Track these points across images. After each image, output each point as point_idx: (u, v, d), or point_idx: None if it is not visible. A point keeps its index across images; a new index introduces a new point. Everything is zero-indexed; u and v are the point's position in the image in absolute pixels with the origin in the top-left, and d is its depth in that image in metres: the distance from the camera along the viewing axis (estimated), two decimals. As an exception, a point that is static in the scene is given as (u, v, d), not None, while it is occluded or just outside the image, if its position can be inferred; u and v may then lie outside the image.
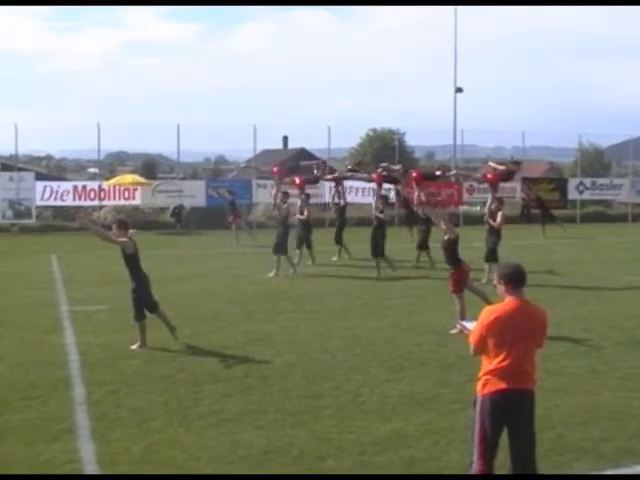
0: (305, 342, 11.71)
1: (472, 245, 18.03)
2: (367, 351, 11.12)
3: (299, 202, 21.26)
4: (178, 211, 34.06)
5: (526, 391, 5.77)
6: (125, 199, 33.71)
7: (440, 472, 6.72)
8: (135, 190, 33.78)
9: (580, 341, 11.74)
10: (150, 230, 31.14)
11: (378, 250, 18.94)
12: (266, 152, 49.90)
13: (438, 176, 24.15)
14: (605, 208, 41.94)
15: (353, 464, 6.92)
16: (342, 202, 23.46)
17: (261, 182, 34.07)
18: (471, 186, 35.29)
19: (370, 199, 32.97)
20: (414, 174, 22.87)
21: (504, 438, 5.79)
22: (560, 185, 39.94)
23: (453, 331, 11.80)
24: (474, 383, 5.98)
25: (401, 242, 21.34)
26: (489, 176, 21.23)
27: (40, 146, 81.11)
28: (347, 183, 29.24)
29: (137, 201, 34.11)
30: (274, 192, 22.03)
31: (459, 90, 43.23)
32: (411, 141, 57.34)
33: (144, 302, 11.29)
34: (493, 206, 17.97)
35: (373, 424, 7.95)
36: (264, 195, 33.68)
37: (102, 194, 33.33)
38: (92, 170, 59.55)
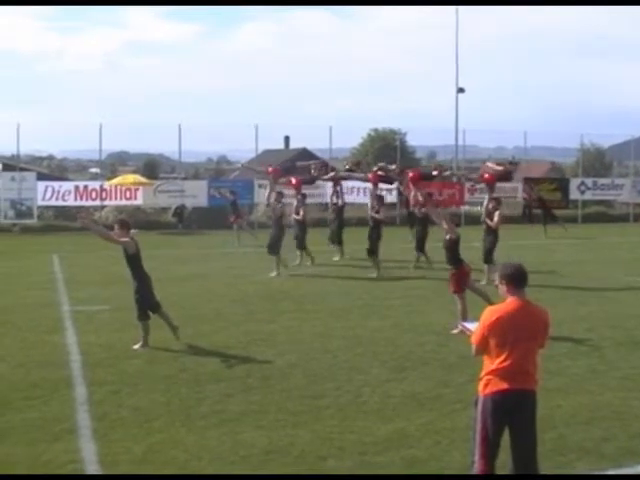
0: (306, 342, 11.71)
1: (473, 245, 18.01)
2: (368, 351, 11.13)
3: (295, 202, 21.31)
4: (180, 211, 34.06)
5: (528, 391, 5.76)
6: (127, 199, 33.72)
7: (441, 472, 6.72)
8: (137, 190, 33.79)
9: (581, 341, 11.73)
10: (152, 230, 31.11)
11: (373, 250, 18.90)
12: (267, 152, 49.86)
13: (435, 176, 24.17)
14: (607, 208, 41.92)
15: (354, 464, 6.92)
16: (340, 202, 23.42)
17: (263, 182, 33.97)
18: (473, 186, 35.27)
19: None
20: (411, 174, 22.93)
21: (505, 438, 5.79)
22: (562, 185, 39.92)
23: (454, 331, 11.79)
24: (476, 383, 5.98)
25: (399, 242, 21.30)
26: (486, 176, 21.29)
27: (42, 146, 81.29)
28: (348, 183, 29.29)
29: (139, 201, 34.11)
30: (268, 192, 22.07)
31: (461, 90, 43.22)
32: (412, 141, 57.38)
33: (147, 302, 11.29)
34: (490, 206, 17.97)
35: (374, 424, 7.95)
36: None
37: (104, 194, 33.33)
38: (93, 170, 59.61)
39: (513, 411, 5.70)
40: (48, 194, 32.79)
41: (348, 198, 30.83)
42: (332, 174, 24.65)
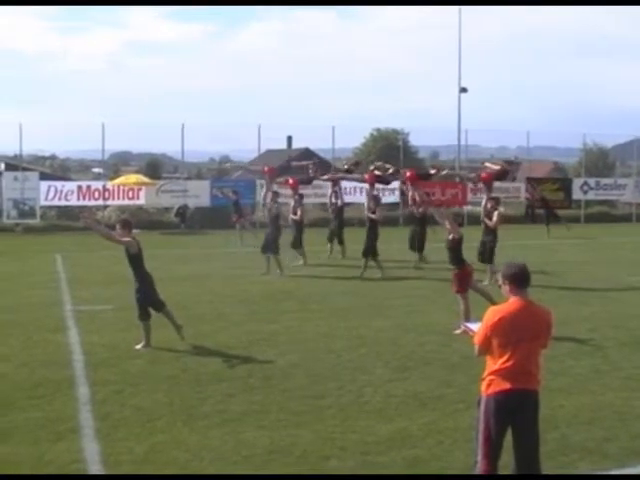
0: (308, 342, 11.71)
1: (476, 245, 17.98)
2: (371, 351, 11.13)
3: (292, 202, 21.33)
4: (182, 211, 34.06)
5: (530, 391, 5.76)
6: (129, 199, 33.73)
7: (444, 472, 6.72)
8: (139, 190, 33.80)
9: (584, 341, 11.73)
10: (154, 230, 31.15)
11: (368, 250, 18.87)
12: (270, 152, 49.90)
13: (432, 175, 24.15)
14: (609, 208, 41.87)
15: (356, 464, 6.92)
16: (339, 202, 23.39)
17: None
18: (475, 186, 35.25)
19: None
20: (408, 174, 22.94)
21: (508, 438, 5.79)
22: (564, 185, 39.91)
23: (457, 331, 11.78)
24: (478, 383, 5.98)
25: (401, 243, 21.27)
26: (483, 175, 21.25)
27: (44, 146, 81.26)
28: (349, 183, 29.28)
29: (141, 201, 34.12)
30: (264, 192, 22.08)
31: (463, 90, 43.23)
32: (415, 141, 57.25)
33: (149, 301, 11.30)
34: (489, 205, 17.96)
35: (376, 424, 7.96)
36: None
37: (106, 194, 33.34)
38: (96, 170, 59.58)
39: (516, 411, 5.70)
40: (51, 194, 32.80)
41: (350, 198, 30.85)
42: (329, 175, 24.65)
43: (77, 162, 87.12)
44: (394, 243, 21.41)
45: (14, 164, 37.88)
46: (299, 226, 20.89)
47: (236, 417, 8.18)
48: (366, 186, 24.53)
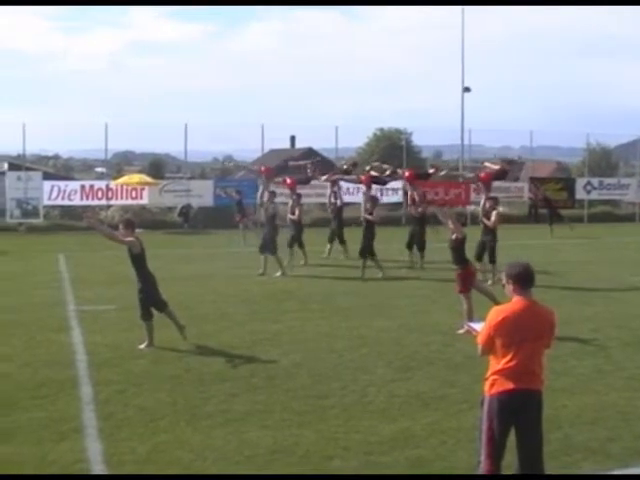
0: (311, 342, 11.72)
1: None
2: (373, 351, 11.13)
3: (290, 202, 21.35)
4: (186, 211, 34.09)
5: (534, 391, 5.76)
6: (132, 199, 33.77)
7: (447, 472, 6.72)
8: (142, 190, 33.83)
9: (587, 341, 11.72)
10: (157, 230, 31.19)
11: (365, 250, 18.85)
12: (273, 152, 49.88)
13: (431, 175, 24.14)
14: (613, 208, 41.82)
15: (359, 464, 6.92)
16: (339, 202, 23.34)
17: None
18: (479, 185, 35.20)
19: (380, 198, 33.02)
20: (406, 174, 22.98)
21: (512, 438, 5.79)
22: (568, 185, 39.88)
23: (460, 331, 11.78)
24: (481, 383, 5.98)
25: (400, 242, 21.26)
26: (481, 175, 21.22)
27: (47, 146, 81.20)
28: (350, 184, 29.25)
29: (144, 201, 34.15)
30: (261, 191, 22.09)
31: (467, 90, 43.18)
32: (418, 141, 57.18)
33: (152, 301, 11.31)
34: (487, 205, 17.93)
35: (379, 424, 7.95)
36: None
37: (109, 194, 33.39)
38: (99, 170, 59.55)
39: (519, 411, 5.70)
40: (54, 193, 32.85)
41: (351, 198, 30.82)
42: (327, 175, 24.65)
43: (80, 162, 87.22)
44: (396, 243, 21.38)
45: (17, 164, 37.89)
46: (297, 226, 20.91)
47: (239, 417, 8.18)
48: (363, 187, 24.48)
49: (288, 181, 22.99)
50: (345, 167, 26.34)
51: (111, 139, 35.04)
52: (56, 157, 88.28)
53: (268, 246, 18.86)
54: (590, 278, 18.44)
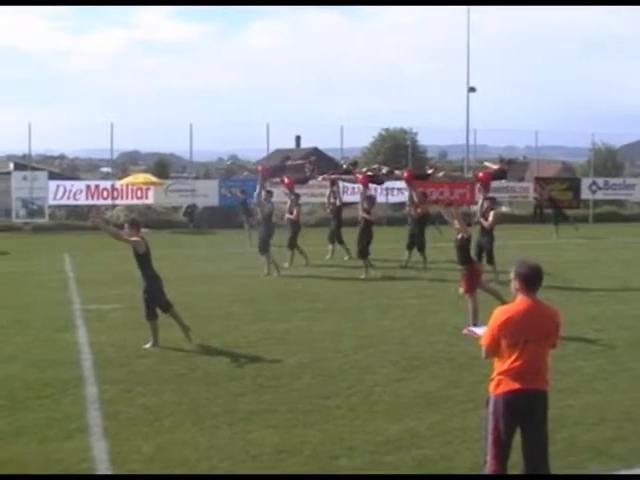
0: (317, 342, 11.72)
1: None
2: (379, 351, 11.12)
3: (288, 202, 21.31)
4: (191, 210, 34.12)
5: (539, 391, 5.75)
6: (138, 198, 33.83)
7: (452, 472, 6.71)
8: (148, 189, 33.90)
9: (592, 341, 11.70)
10: (163, 229, 31.22)
11: (362, 250, 18.83)
12: (279, 151, 49.92)
13: (429, 175, 24.14)
14: (618, 208, 41.80)
15: (365, 463, 6.92)
16: (338, 202, 23.28)
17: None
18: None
19: (381, 198, 33.04)
20: (405, 174, 23.00)
21: (517, 438, 5.78)
22: (573, 185, 39.86)
23: (465, 331, 11.78)
24: (486, 383, 5.97)
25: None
26: (480, 175, 21.20)
27: (53, 145, 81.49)
28: (352, 183, 29.26)
29: (150, 200, 34.20)
30: (257, 191, 22.07)
31: (472, 89, 43.18)
32: (423, 141, 57.25)
33: (157, 302, 11.32)
34: (485, 205, 17.90)
35: (385, 424, 7.95)
36: (277, 195, 33.73)
37: (115, 193, 33.45)
38: (105, 169, 59.75)
39: (524, 411, 5.69)
40: (59, 193, 32.92)
41: (353, 198, 30.81)
42: (325, 175, 24.64)
43: (86, 161, 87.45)
44: (401, 242, 21.33)
45: (23, 164, 38.02)
46: (295, 226, 20.91)
47: (245, 416, 8.18)
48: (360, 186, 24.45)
49: (286, 181, 22.98)
50: (345, 166, 26.34)
51: (116, 139, 35.19)
52: (61, 157, 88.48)
53: (262, 245, 18.88)
54: (595, 278, 18.41)
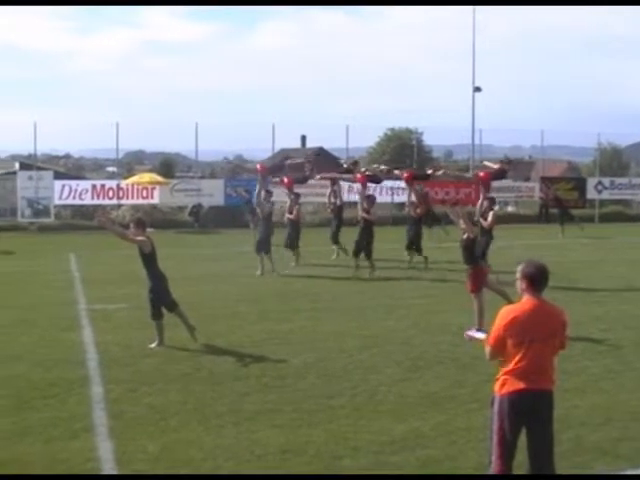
0: (322, 342, 11.71)
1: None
2: (383, 351, 11.12)
3: (288, 202, 21.30)
4: (196, 210, 34.17)
5: (545, 391, 5.74)
6: (143, 198, 33.88)
7: (457, 472, 6.71)
8: (153, 189, 33.95)
9: (598, 341, 11.68)
10: (168, 229, 31.26)
11: (367, 251, 18.82)
12: (284, 151, 49.93)
13: (429, 175, 24.14)
14: (624, 208, 41.75)
15: (369, 463, 6.92)
16: (338, 202, 23.25)
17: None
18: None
19: (382, 197, 33.02)
20: (405, 174, 23.00)
21: (522, 438, 5.77)
22: (579, 184, 39.82)
23: (466, 337, 11.79)
24: (491, 383, 5.96)
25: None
26: (480, 175, 21.17)
27: (59, 145, 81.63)
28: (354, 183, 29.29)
29: (155, 200, 34.25)
30: (257, 190, 22.06)
31: (477, 89, 43.10)
32: (429, 140, 57.27)
33: (163, 301, 11.32)
34: (485, 205, 17.87)
35: (389, 424, 7.95)
36: (280, 194, 33.77)
37: (120, 193, 33.50)
38: (110, 169, 59.84)
39: (530, 411, 5.68)
40: (65, 193, 32.99)
41: (353, 198, 30.85)
42: (323, 174, 24.64)
43: (91, 161, 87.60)
44: (404, 243, 21.30)
45: (29, 163, 38.12)
46: (295, 225, 20.90)
47: (250, 416, 8.19)
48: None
49: (285, 180, 22.97)
50: (346, 166, 26.35)
51: (122, 138, 35.23)
52: (67, 157, 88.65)
53: (262, 245, 18.87)
54: (601, 278, 18.38)
